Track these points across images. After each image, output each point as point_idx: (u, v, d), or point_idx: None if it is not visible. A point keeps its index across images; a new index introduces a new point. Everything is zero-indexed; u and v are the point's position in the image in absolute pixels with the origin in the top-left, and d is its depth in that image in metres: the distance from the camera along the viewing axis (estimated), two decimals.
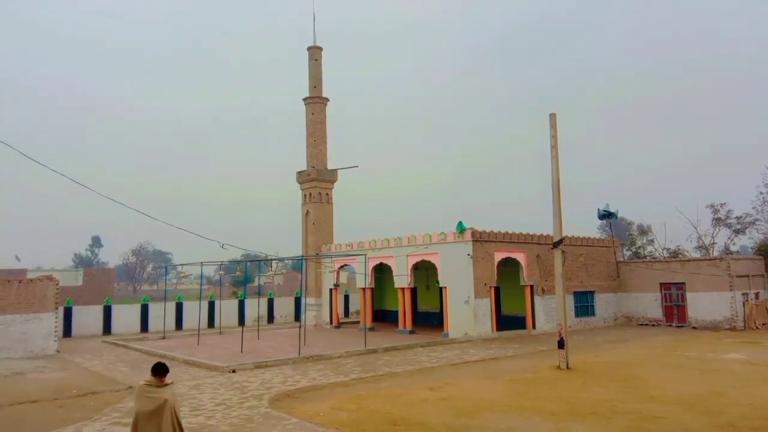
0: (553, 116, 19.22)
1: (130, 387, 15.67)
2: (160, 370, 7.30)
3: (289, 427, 11.14)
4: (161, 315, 31.86)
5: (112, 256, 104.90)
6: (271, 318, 38.34)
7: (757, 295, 30.77)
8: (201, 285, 37.43)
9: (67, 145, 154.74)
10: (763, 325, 29.15)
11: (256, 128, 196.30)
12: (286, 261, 58.46)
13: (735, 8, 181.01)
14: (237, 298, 38.53)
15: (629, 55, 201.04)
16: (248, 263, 38.32)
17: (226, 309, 35.48)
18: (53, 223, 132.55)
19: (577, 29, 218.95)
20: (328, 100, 37.33)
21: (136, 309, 34.27)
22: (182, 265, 36.78)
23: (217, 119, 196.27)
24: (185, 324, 34.17)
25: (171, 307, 34.10)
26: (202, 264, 28.34)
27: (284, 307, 39.57)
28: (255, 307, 34.85)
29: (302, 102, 37.26)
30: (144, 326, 33.29)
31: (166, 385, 7.30)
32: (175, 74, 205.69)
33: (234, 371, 18.28)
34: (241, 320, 34.06)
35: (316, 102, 36.77)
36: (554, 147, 19.04)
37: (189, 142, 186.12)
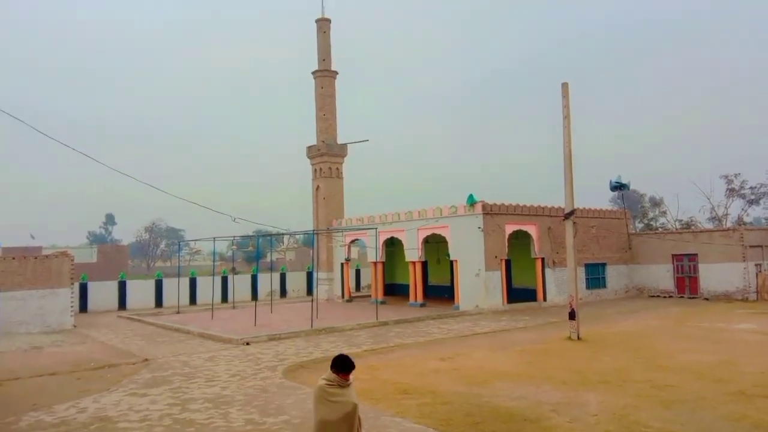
0: (565, 86, 18.99)
1: (146, 360, 15.98)
2: (346, 366, 5.62)
3: (303, 396, 11.32)
4: (175, 290, 32.26)
5: (125, 233, 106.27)
6: (283, 292, 38.71)
7: None
8: (214, 260, 37.78)
9: (83, 121, 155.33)
10: None
11: (268, 103, 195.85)
12: (297, 236, 58.80)
13: None
14: (227, 273, 38.85)
15: (644, 25, 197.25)
16: (260, 238, 38.59)
17: (239, 284, 35.86)
18: (67, 201, 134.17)
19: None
20: (337, 73, 37.06)
21: (150, 285, 34.72)
22: (195, 240, 36.93)
23: (229, 93, 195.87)
24: (199, 299, 34.58)
25: (185, 282, 34.51)
26: (214, 239, 28.62)
27: (296, 281, 39.93)
28: (268, 282, 35.17)
29: (311, 75, 37.04)
30: (158, 301, 33.75)
31: (349, 384, 5.70)
32: (183, 45, 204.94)
33: (248, 343, 18.55)
34: (254, 295, 34.40)
35: (325, 75, 36.52)
36: (566, 117, 18.83)
37: (198, 118, 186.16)
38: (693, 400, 10.38)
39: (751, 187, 42.17)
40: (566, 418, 9.34)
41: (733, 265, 29.39)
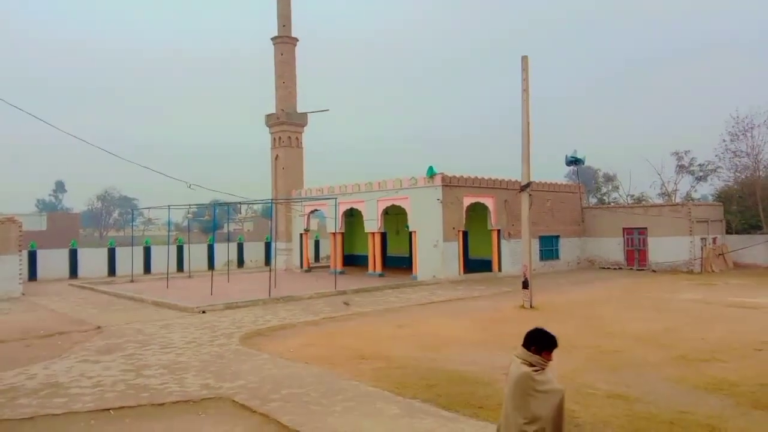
0: (525, 59, 19.09)
1: (99, 327, 15.67)
2: (552, 342, 4.53)
3: (260, 362, 11.34)
4: (129, 259, 31.53)
5: (76, 201, 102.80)
6: (241, 262, 38.37)
7: (714, 240, 31.90)
8: (169, 230, 37.09)
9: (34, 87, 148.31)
10: (720, 269, 30.39)
11: (225, 71, 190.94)
12: (255, 206, 58.14)
13: None
14: (183, 242, 38.23)
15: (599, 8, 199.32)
16: (216, 207, 38.00)
17: (196, 253, 35.29)
18: (14, 167, 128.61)
19: None
20: (297, 40, 36.33)
21: (102, 253, 33.86)
22: (149, 208, 36.07)
23: (184, 61, 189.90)
24: (154, 268, 33.98)
25: (139, 251, 33.80)
26: (169, 207, 28.00)
27: (254, 251, 39.59)
28: (225, 252, 34.77)
29: (271, 42, 36.23)
30: (111, 270, 33.01)
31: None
32: (137, 11, 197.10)
33: (204, 312, 18.38)
34: (211, 265, 33.99)
35: (285, 42, 35.75)
36: (525, 90, 18.98)
37: (154, 85, 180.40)
38: (638, 364, 10.85)
39: (699, 165, 43.71)
40: None
41: (680, 239, 30.54)
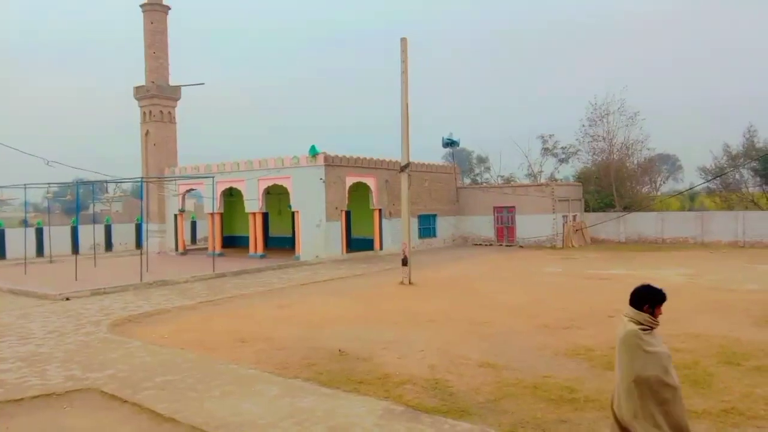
0: (404, 41, 19.42)
1: None
2: (660, 296, 4.47)
3: (131, 349, 10.76)
4: None
5: None
6: (109, 246, 36.01)
7: (575, 218, 34.70)
8: (26, 211, 33.87)
9: None
10: (579, 244, 33.16)
11: (87, 39, 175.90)
12: (124, 185, 54.63)
13: None
14: (42, 224, 35.33)
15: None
16: (80, 186, 35.08)
17: (58, 237, 32.53)
18: None
19: None
20: (169, 8, 34.27)
21: None
22: (2, 187, 32.68)
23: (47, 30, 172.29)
24: (9, 254, 30.99)
25: None
26: (25, 186, 25.50)
27: (124, 234, 37.27)
28: (90, 235, 32.35)
29: (139, 9, 33.86)
30: None
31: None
32: None
33: (68, 299, 17.07)
34: (75, 249, 31.54)
35: (155, 9, 33.59)
36: (404, 72, 19.34)
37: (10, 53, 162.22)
38: (506, 333, 11.61)
39: (562, 148, 47.16)
40: (396, 355, 9.96)
41: (544, 216, 32.89)
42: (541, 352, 10.05)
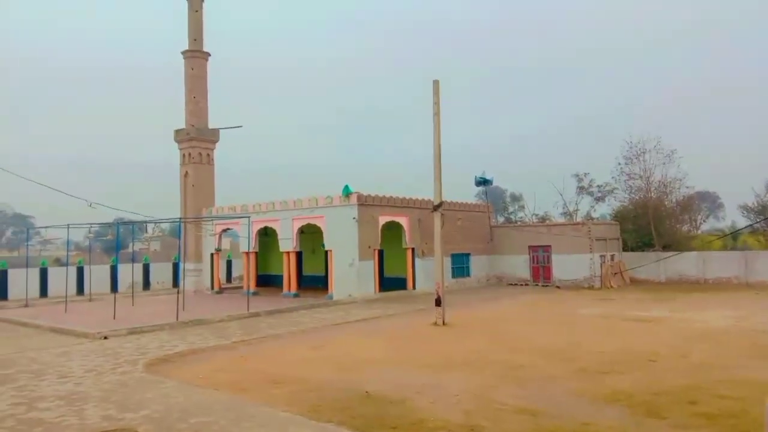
0: (436, 83, 19.70)
1: None
2: None
3: (167, 390, 10.84)
4: (23, 282, 29.28)
5: None
6: (147, 284, 36.61)
7: (612, 257, 33.98)
8: (68, 250, 34.87)
9: None
10: (618, 285, 32.39)
11: (131, 85, 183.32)
12: (162, 225, 55.89)
13: None
14: (83, 263, 36.23)
15: (500, 23, 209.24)
16: (120, 226, 36.08)
17: (98, 275, 33.34)
18: None
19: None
20: (209, 54, 35.55)
21: None
22: (46, 227, 33.70)
23: (87, 73, 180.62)
24: (51, 291, 31.71)
25: (34, 273, 31.46)
26: (68, 226, 26.36)
27: (161, 273, 37.91)
28: (129, 273, 33.03)
29: (181, 56, 35.24)
30: (3, 294, 30.49)
31: None
32: (39, 17, 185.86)
33: (106, 338, 17.37)
34: (114, 287, 32.19)
35: (196, 56, 34.90)
36: (437, 114, 19.57)
37: (54, 97, 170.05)
38: (543, 378, 11.32)
39: (597, 186, 46.60)
40: (429, 399, 9.78)
41: (581, 256, 32.30)
42: (579, 398, 9.76)
